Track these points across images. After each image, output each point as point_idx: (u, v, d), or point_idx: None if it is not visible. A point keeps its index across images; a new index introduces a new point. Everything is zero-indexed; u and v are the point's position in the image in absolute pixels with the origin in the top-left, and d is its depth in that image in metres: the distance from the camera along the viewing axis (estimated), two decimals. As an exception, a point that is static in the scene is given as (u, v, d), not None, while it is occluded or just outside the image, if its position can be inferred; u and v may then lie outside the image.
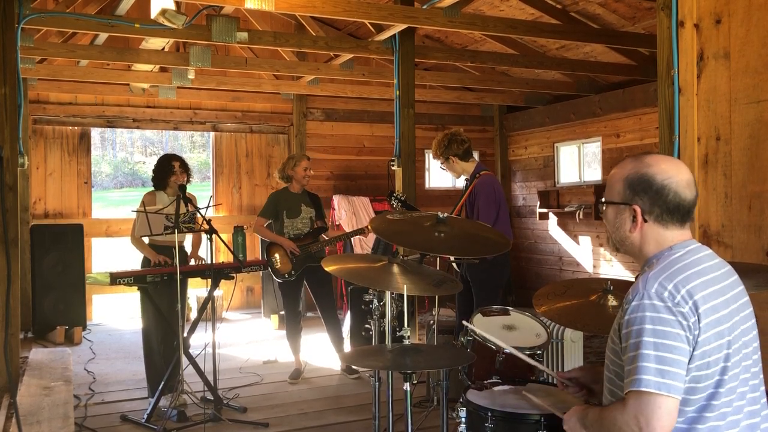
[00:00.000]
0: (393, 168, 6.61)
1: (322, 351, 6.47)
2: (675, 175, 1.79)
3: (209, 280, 4.74)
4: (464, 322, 2.94)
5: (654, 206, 1.80)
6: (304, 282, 5.64)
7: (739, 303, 1.78)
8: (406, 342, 2.56)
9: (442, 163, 4.90)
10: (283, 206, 5.58)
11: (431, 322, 4.65)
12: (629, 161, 1.87)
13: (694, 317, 1.66)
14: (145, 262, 4.99)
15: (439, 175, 9.82)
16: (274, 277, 5.62)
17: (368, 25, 7.04)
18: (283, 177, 5.65)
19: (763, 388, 1.79)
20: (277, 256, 5.51)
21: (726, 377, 1.68)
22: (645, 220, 1.81)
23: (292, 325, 5.64)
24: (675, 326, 1.64)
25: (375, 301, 3.85)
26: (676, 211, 1.80)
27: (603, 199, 1.90)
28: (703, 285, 1.71)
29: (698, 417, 1.68)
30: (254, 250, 8.62)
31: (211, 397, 4.74)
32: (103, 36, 6.45)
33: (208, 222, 4.60)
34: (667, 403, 1.61)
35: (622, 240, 1.87)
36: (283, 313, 7.93)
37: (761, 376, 1.80)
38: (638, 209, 1.81)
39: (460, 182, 5.17)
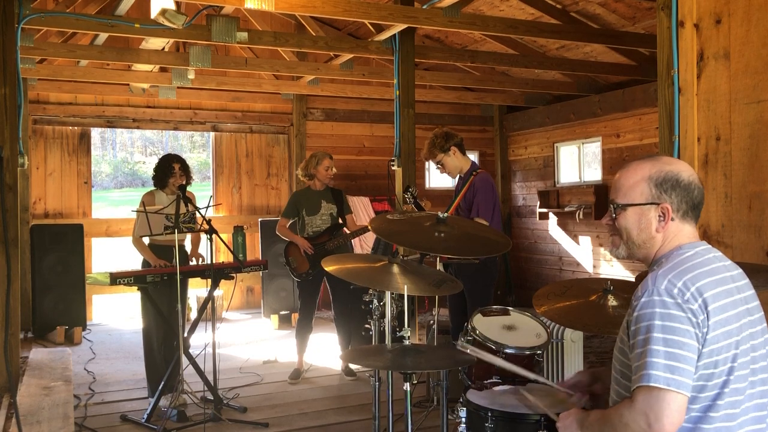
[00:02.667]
0: (393, 168, 6.61)
1: (322, 351, 6.47)
2: (693, 172, 1.84)
3: (209, 280, 4.74)
4: (468, 328, 2.94)
5: (682, 203, 1.81)
6: (324, 281, 5.65)
7: (749, 306, 1.78)
8: (406, 342, 2.56)
9: (441, 160, 4.82)
10: (303, 204, 5.62)
11: (431, 322, 4.65)
12: (644, 162, 1.85)
13: (703, 315, 1.65)
14: (146, 262, 5.00)
15: (439, 176, 9.80)
16: (293, 277, 5.65)
17: (368, 25, 7.04)
18: (306, 175, 5.68)
19: None
20: (294, 256, 5.55)
21: (732, 377, 1.68)
22: (672, 218, 1.81)
23: (304, 323, 5.64)
24: (684, 322, 1.64)
25: (375, 301, 3.85)
26: (698, 208, 1.83)
27: (620, 203, 1.85)
28: (713, 284, 1.71)
29: (703, 417, 1.68)
30: (254, 250, 8.62)
31: (211, 397, 4.73)
32: (103, 36, 6.45)
33: (208, 222, 4.61)
34: (677, 399, 1.60)
35: (645, 242, 1.84)
36: (284, 312, 8.00)
37: None
38: (669, 207, 1.80)
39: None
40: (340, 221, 5.70)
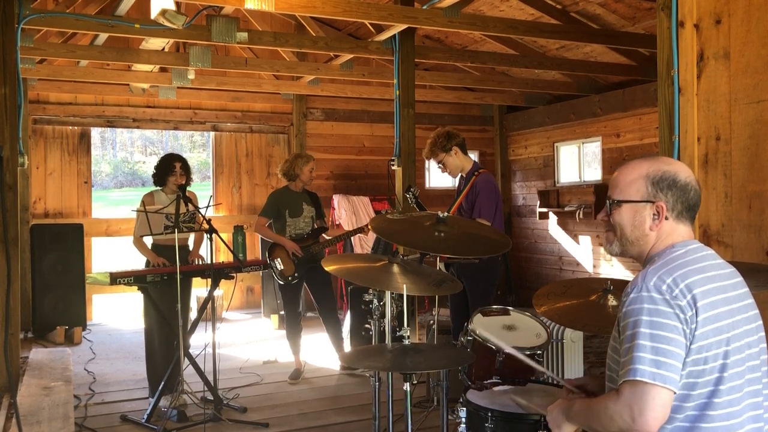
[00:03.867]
0: (393, 168, 6.61)
1: (322, 351, 6.47)
2: (691, 174, 1.86)
3: (209, 280, 4.74)
4: (469, 326, 2.94)
5: (677, 203, 1.82)
6: (304, 282, 5.63)
7: (743, 303, 1.78)
8: (406, 342, 2.56)
9: (442, 160, 4.77)
10: (285, 205, 5.55)
11: (431, 322, 4.65)
12: (642, 161, 1.87)
13: (692, 311, 1.66)
14: (149, 262, 4.99)
15: (439, 175, 9.81)
16: (277, 279, 5.59)
17: (368, 25, 7.04)
18: (287, 175, 5.61)
19: None
20: (279, 258, 5.49)
21: (726, 375, 1.68)
22: (666, 218, 1.82)
23: (292, 325, 5.62)
24: (672, 318, 1.65)
25: (375, 301, 3.85)
26: (693, 209, 1.84)
27: (616, 199, 1.86)
28: (703, 281, 1.71)
29: (701, 415, 1.68)
30: (254, 250, 8.62)
31: (211, 397, 4.74)
32: (103, 36, 6.45)
33: (208, 221, 4.60)
34: (662, 394, 1.61)
35: (638, 239, 1.85)
36: (283, 313, 7.98)
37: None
38: (663, 206, 1.81)
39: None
40: (318, 225, 5.66)
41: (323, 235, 5.66)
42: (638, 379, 1.62)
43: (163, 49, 6.85)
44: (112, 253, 11.62)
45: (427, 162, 9.75)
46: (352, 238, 8.16)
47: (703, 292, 1.69)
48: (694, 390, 1.67)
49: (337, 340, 5.70)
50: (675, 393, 1.64)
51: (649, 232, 1.84)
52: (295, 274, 5.46)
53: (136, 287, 4.68)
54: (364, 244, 8.47)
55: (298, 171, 5.56)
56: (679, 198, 1.81)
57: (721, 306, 1.71)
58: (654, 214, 1.82)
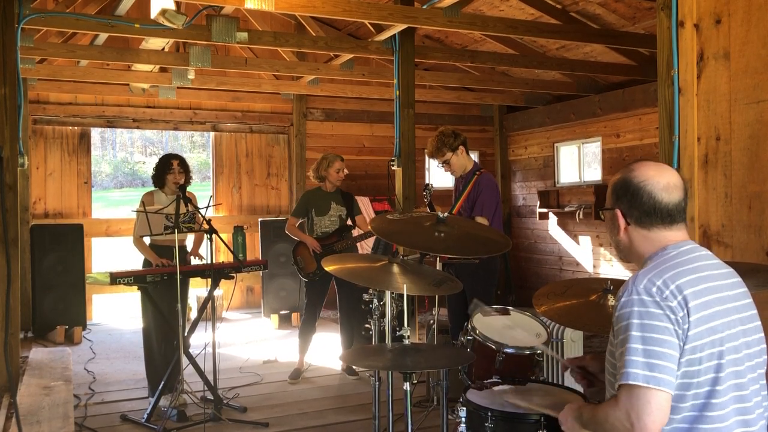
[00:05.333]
0: (393, 168, 6.61)
1: (322, 351, 6.47)
2: (652, 178, 1.84)
3: (209, 280, 4.74)
4: (469, 325, 2.94)
5: (632, 209, 1.85)
6: (332, 282, 5.65)
7: (739, 303, 1.78)
8: (406, 342, 2.56)
9: (448, 159, 4.75)
10: (313, 204, 5.65)
11: (431, 321, 4.65)
12: (620, 170, 1.93)
13: (683, 312, 1.66)
14: (147, 262, 5.00)
15: (439, 175, 9.81)
16: (300, 276, 5.65)
17: (368, 25, 7.04)
18: (317, 177, 5.71)
19: None
20: (301, 255, 5.56)
21: (722, 375, 1.68)
22: (628, 223, 1.87)
23: (308, 324, 5.65)
24: (663, 320, 1.66)
25: (375, 300, 3.85)
26: (654, 214, 1.83)
27: (600, 209, 1.97)
28: (695, 281, 1.72)
29: (699, 416, 1.68)
30: (254, 250, 8.62)
31: (211, 397, 4.74)
32: (103, 36, 6.45)
33: (208, 222, 4.60)
34: (658, 396, 1.61)
35: (616, 244, 1.94)
36: (284, 312, 8.01)
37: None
38: (619, 213, 1.87)
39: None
40: (349, 223, 5.71)
41: (354, 231, 5.71)
42: (632, 383, 1.63)
43: (163, 49, 6.84)
44: (112, 254, 11.63)
45: (427, 162, 9.75)
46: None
47: (694, 293, 1.69)
48: (689, 390, 1.67)
49: (348, 341, 5.71)
50: (671, 394, 1.64)
51: (618, 237, 1.91)
52: (317, 271, 5.48)
53: (135, 287, 4.69)
54: (364, 244, 8.47)
55: (323, 173, 5.65)
56: (632, 204, 1.85)
57: (715, 306, 1.71)
58: (618, 221, 1.88)
